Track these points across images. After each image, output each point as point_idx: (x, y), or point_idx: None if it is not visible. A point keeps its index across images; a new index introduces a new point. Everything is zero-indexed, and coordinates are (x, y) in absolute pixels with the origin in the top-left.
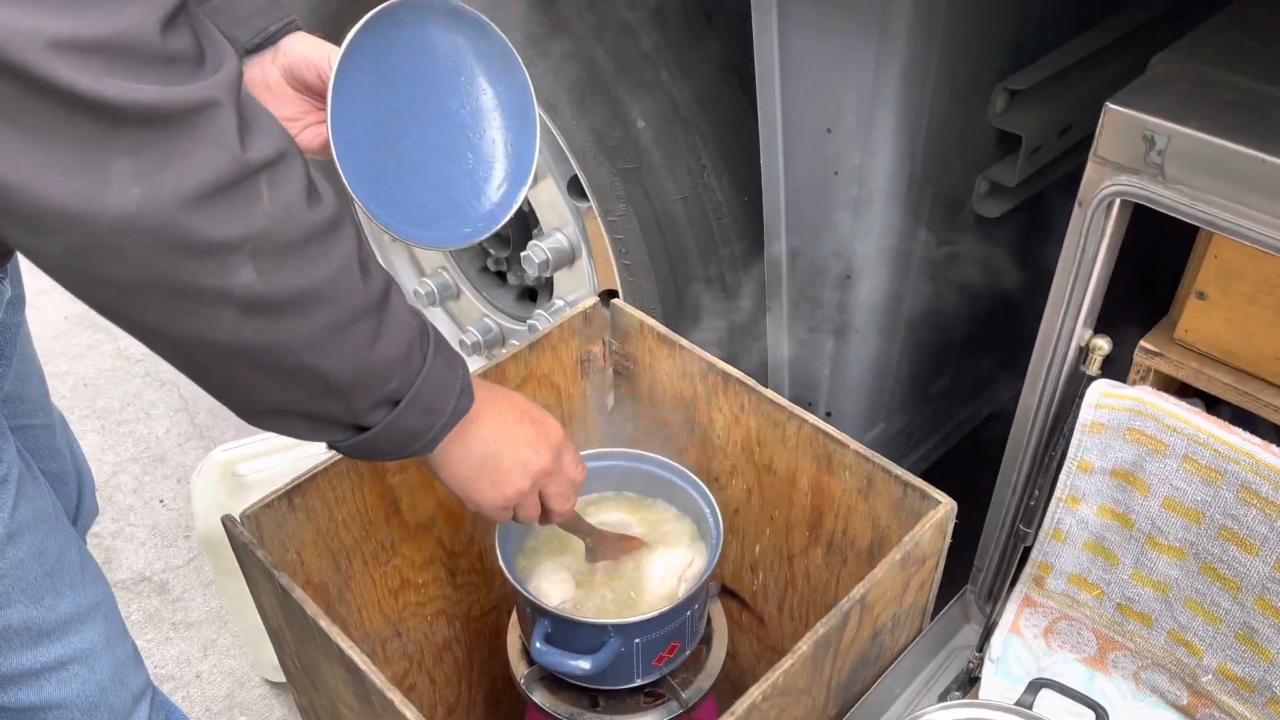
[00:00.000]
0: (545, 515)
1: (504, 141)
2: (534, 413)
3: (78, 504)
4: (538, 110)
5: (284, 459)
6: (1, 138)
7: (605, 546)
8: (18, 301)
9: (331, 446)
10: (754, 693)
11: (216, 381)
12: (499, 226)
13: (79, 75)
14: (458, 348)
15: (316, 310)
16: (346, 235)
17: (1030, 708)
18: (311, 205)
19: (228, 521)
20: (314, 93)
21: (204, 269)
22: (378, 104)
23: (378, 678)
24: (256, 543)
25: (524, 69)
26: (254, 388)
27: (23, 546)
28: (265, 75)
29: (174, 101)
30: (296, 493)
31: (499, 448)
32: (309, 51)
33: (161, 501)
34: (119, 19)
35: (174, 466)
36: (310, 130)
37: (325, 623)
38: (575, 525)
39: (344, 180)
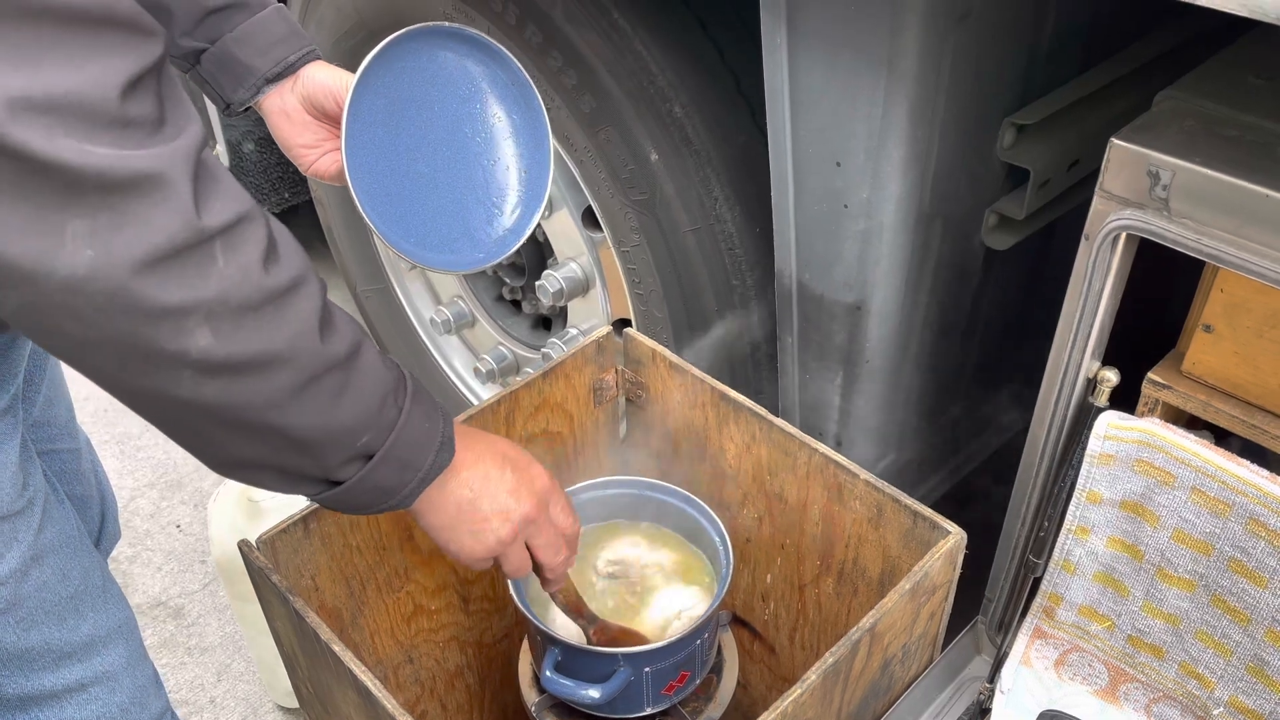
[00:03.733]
0: (538, 571)
1: (518, 167)
2: (517, 458)
3: (100, 527)
4: (552, 139)
5: None
6: None
7: (605, 641)
8: None
9: (310, 498)
10: None
11: (183, 436)
12: (512, 251)
13: (32, 135)
14: (472, 375)
15: (277, 371)
16: (308, 294)
17: None
18: (269, 268)
19: (244, 546)
20: (332, 120)
21: (159, 332)
22: (393, 130)
23: (390, 702)
24: (272, 567)
25: (538, 95)
26: (220, 442)
27: (47, 569)
28: (285, 103)
29: (127, 167)
30: (312, 518)
31: (476, 495)
32: (327, 80)
33: (178, 527)
34: (79, 79)
35: (190, 492)
36: (328, 157)
37: (339, 647)
38: (578, 607)
39: (358, 205)
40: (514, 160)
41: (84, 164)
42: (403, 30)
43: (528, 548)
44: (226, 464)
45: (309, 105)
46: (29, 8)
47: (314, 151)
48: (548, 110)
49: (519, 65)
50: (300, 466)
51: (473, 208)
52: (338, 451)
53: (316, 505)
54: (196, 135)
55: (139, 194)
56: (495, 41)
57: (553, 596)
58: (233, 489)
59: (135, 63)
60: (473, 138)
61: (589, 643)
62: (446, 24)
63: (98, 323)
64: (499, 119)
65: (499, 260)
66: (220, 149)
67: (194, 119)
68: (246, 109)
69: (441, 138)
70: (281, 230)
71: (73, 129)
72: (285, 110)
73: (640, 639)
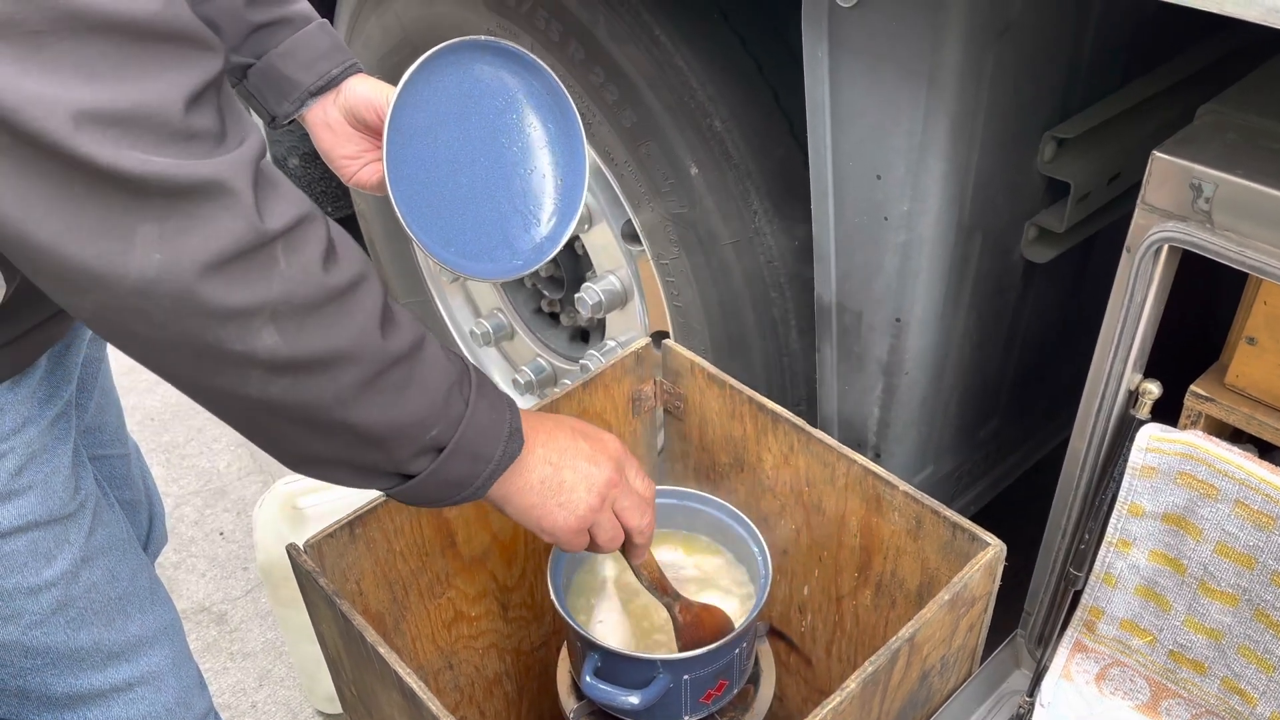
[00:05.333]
0: (627, 544)
1: (554, 176)
2: (586, 429)
3: (148, 531)
4: (588, 148)
5: (343, 493)
6: (30, 199)
7: (690, 619)
8: (100, 338)
9: (384, 492)
10: None
11: (257, 433)
12: (549, 258)
13: (98, 148)
14: (510, 387)
15: (342, 368)
16: (369, 291)
17: None
18: (328, 267)
19: (292, 550)
20: (373, 132)
21: (226, 333)
22: (432, 141)
23: (434, 704)
24: (319, 571)
25: (573, 105)
26: (292, 439)
27: (97, 571)
28: (327, 116)
29: (191, 175)
30: (358, 524)
31: (557, 469)
32: (368, 93)
33: (222, 534)
34: (143, 92)
35: (234, 500)
36: (369, 168)
37: (384, 650)
38: (662, 584)
39: (399, 215)
40: (550, 169)
41: (146, 172)
42: (441, 45)
43: (615, 511)
44: (301, 460)
45: (351, 117)
46: (95, 22)
47: (355, 162)
48: (589, 125)
49: (554, 76)
50: (372, 461)
51: (510, 216)
52: (407, 445)
53: (361, 510)
54: (256, 144)
55: (204, 199)
56: (530, 53)
57: (637, 572)
58: (278, 496)
59: (198, 76)
60: (509, 147)
61: (677, 623)
62: (483, 38)
63: (167, 324)
64: (535, 128)
65: (536, 267)
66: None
67: (253, 129)
68: (291, 121)
69: (479, 148)
70: (340, 232)
71: (138, 140)
72: (328, 122)
73: (723, 617)
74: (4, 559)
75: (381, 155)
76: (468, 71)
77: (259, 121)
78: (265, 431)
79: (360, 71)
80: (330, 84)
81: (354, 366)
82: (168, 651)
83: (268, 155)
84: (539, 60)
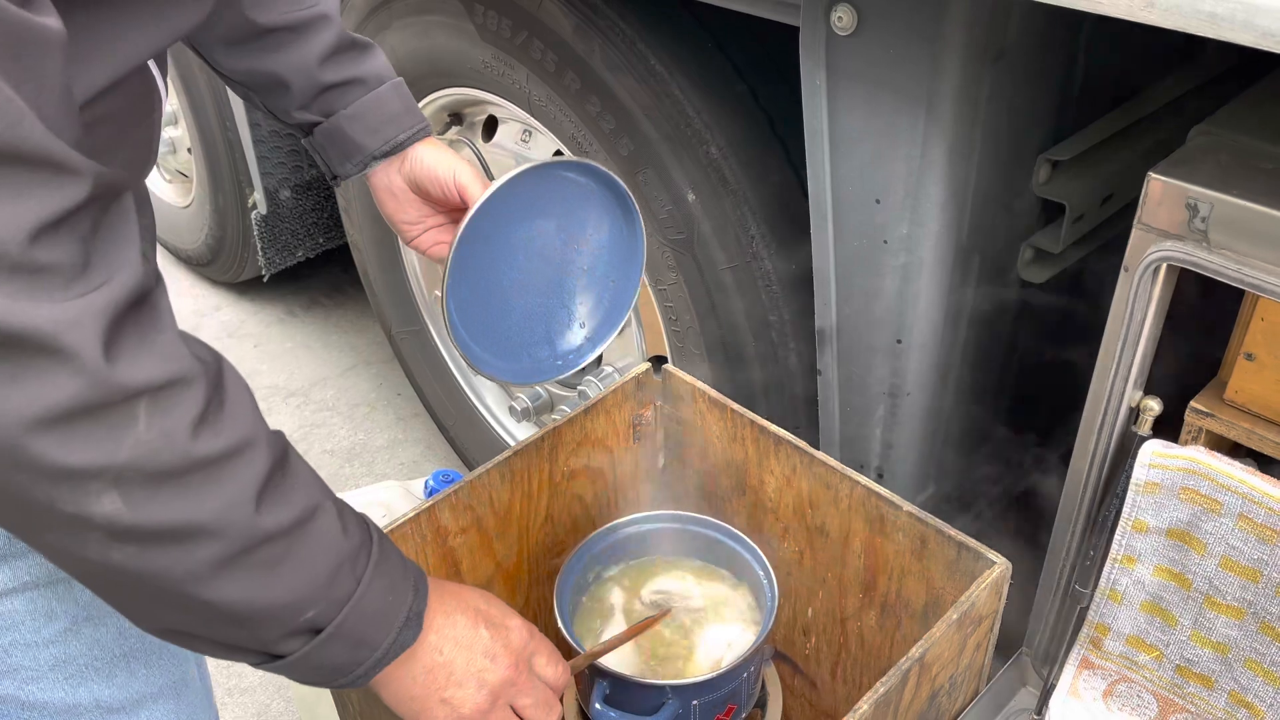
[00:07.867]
0: None
1: (607, 278)
2: (491, 614)
3: None
4: (645, 255)
5: None
6: None
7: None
8: None
9: (252, 667)
10: None
11: (104, 594)
12: (588, 360)
13: None
14: (506, 414)
15: (198, 542)
16: (248, 461)
17: None
18: (200, 433)
19: None
20: (435, 201)
21: (58, 494)
22: (497, 245)
23: None
24: None
25: (640, 215)
26: (142, 607)
27: (103, 628)
28: (390, 181)
29: (19, 321)
30: None
31: (449, 659)
32: (435, 165)
33: None
34: None
35: None
36: (430, 234)
37: None
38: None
39: (446, 314)
40: (604, 269)
41: None
42: (524, 166)
43: (514, 709)
44: (153, 629)
45: (413, 185)
46: None
47: (416, 228)
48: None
49: (628, 190)
50: (233, 639)
51: (557, 312)
52: (274, 626)
53: None
54: (127, 284)
55: (34, 349)
56: (611, 173)
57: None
58: None
59: (51, 205)
60: (568, 246)
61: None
62: (565, 159)
63: None
64: (599, 231)
65: (575, 370)
66: (258, 196)
67: (129, 264)
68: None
69: (540, 248)
70: (238, 393)
71: None
72: (391, 188)
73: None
74: (2, 618)
75: (442, 222)
76: (542, 177)
77: (252, 148)
78: (113, 595)
79: (429, 135)
80: (396, 149)
81: (213, 542)
82: (172, 706)
83: (153, 295)
84: (618, 179)
